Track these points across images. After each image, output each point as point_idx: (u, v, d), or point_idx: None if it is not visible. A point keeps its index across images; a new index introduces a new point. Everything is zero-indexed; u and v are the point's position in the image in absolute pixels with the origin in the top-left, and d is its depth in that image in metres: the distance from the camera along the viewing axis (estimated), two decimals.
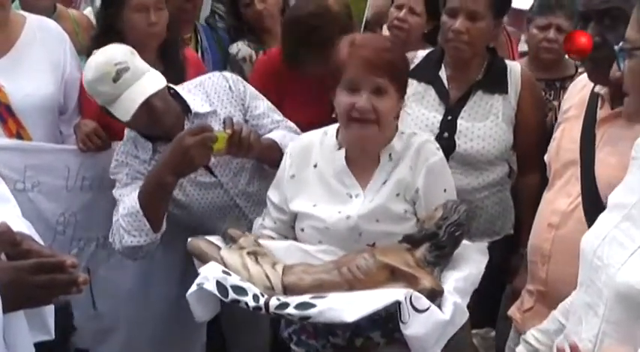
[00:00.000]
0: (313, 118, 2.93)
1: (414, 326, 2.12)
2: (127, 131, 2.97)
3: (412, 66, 3.13)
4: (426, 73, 3.14)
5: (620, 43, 1.79)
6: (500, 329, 3.00)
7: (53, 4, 3.67)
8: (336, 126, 2.57)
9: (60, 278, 1.65)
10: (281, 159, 2.66)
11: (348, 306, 2.14)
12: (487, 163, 3.05)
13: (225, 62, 3.89)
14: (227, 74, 3.09)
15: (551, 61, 3.64)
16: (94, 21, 3.83)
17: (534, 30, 3.65)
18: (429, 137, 2.66)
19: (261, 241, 2.49)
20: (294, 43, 3.37)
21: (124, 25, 3.18)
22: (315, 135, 2.62)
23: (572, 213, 2.41)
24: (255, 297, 2.21)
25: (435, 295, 2.22)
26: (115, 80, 2.71)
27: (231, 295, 2.21)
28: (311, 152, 2.56)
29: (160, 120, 2.80)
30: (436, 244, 2.36)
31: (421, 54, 3.23)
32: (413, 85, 3.11)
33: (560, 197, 2.49)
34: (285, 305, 2.17)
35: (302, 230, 2.53)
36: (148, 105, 2.73)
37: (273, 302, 2.19)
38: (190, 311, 2.45)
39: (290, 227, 2.59)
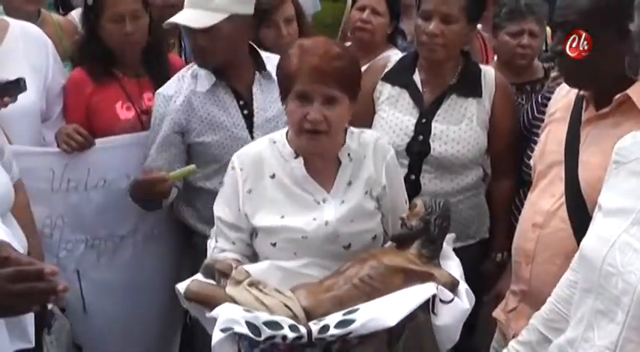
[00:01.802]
0: None
1: (443, 317, 2.25)
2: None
3: (386, 70, 3.20)
4: (400, 76, 3.16)
5: None
6: (482, 331, 3.02)
7: (38, 9, 3.66)
8: (281, 133, 2.54)
9: (39, 286, 1.64)
10: None
11: (386, 311, 2.17)
12: (461, 167, 3.08)
13: None
14: None
15: (524, 66, 3.65)
16: (79, 25, 3.86)
17: (506, 37, 3.64)
18: (377, 133, 2.72)
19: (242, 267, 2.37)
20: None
21: (102, 33, 3.20)
22: (260, 145, 2.55)
23: (556, 213, 2.42)
24: (293, 327, 2.13)
25: (454, 287, 2.31)
26: None
27: (265, 332, 2.11)
28: (263, 163, 2.48)
29: (200, 52, 3.05)
30: (428, 239, 2.40)
31: (395, 58, 3.26)
32: (387, 89, 3.16)
33: (544, 197, 2.50)
34: (326, 327, 2.14)
35: (274, 245, 2.44)
36: (191, 33, 3.03)
37: (314, 327, 2.14)
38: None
39: (247, 245, 2.51)
